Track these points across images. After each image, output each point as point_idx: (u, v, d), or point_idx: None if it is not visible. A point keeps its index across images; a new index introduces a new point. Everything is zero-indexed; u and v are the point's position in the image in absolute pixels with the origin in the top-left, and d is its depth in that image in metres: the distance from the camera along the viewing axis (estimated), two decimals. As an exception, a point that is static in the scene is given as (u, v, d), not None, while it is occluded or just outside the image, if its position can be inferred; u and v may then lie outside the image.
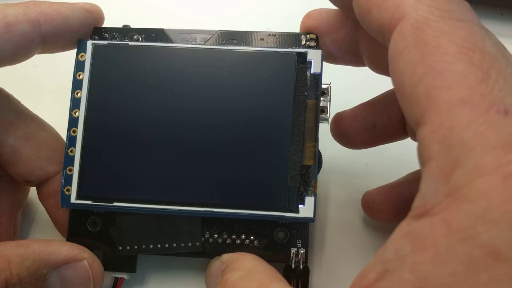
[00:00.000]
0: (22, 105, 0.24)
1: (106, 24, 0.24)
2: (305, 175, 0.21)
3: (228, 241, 0.22)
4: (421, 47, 0.15)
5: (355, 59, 0.23)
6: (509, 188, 0.12)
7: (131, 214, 0.22)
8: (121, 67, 0.22)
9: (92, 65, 0.23)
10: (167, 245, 0.22)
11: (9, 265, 0.19)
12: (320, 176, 0.22)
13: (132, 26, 0.24)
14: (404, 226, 0.14)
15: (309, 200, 0.21)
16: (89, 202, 0.22)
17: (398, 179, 0.24)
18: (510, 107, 0.13)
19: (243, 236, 0.22)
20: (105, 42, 0.23)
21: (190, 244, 0.22)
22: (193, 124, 0.22)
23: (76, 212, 0.23)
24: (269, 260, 0.21)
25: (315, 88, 0.22)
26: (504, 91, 0.13)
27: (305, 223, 0.22)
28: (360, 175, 0.27)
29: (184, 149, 0.22)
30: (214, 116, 0.22)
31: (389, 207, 0.24)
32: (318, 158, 0.22)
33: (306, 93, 0.22)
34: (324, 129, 0.24)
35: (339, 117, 0.24)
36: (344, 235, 0.25)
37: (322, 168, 0.23)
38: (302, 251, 0.22)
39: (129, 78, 0.22)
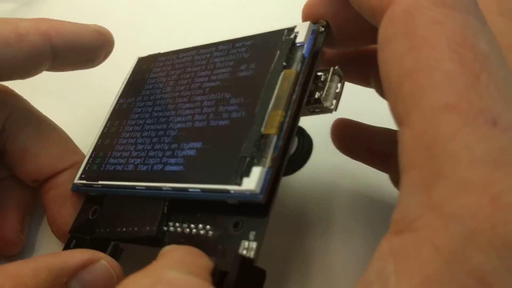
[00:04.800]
0: (33, 106, 0.25)
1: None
2: (262, 145, 0.17)
3: (186, 230, 0.19)
4: (410, 36, 0.14)
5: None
6: (498, 211, 0.11)
7: (115, 198, 0.22)
8: (146, 74, 0.25)
9: (131, 73, 0.26)
10: (130, 229, 0.20)
11: (23, 279, 0.17)
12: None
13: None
14: (385, 244, 0.13)
15: (256, 171, 0.17)
16: (83, 181, 0.22)
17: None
18: (499, 117, 0.12)
19: (200, 226, 0.18)
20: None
21: (147, 228, 0.20)
22: (175, 110, 0.22)
23: (87, 200, 0.23)
24: (221, 255, 0.17)
25: (298, 59, 0.19)
26: (494, 99, 0.12)
27: (262, 208, 0.17)
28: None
29: (160, 128, 0.21)
30: (196, 95, 0.21)
31: (358, 145, 0.23)
32: (288, 132, 0.18)
33: (284, 63, 0.19)
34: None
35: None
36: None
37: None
38: (253, 244, 0.17)
39: (144, 84, 0.24)
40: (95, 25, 0.24)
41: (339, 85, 0.20)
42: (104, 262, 0.19)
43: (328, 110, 0.19)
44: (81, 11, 0.37)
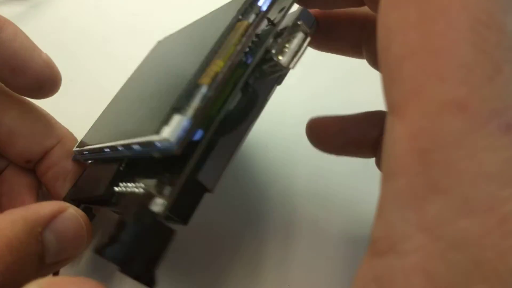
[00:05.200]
0: (10, 90, 0.24)
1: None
2: (194, 95, 0.16)
3: (127, 190, 0.18)
4: (424, 3, 0.11)
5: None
6: (507, 237, 0.09)
7: (94, 163, 0.22)
8: (150, 55, 0.25)
9: (147, 55, 0.26)
10: (90, 190, 0.20)
11: (3, 232, 0.17)
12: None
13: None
14: (366, 269, 0.11)
15: (176, 119, 0.15)
16: (77, 149, 0.23)
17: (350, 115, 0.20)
18: None
19: (136, 184, 0.17)
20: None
21: (98, 188, 0.19)
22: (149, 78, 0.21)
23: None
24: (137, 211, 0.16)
25: (254, 12, 0.17)
26: None
27: (181, 162, 0.15)
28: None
29: (130, 97, 0.21)
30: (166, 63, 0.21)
31: (342, 140, 0.20)
32: (222, 83, 0.16)
33: (240, 17, 0.17)
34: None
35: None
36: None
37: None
38: (164, 200, 0.15)
39: (144, 63, 0.25)
40: (49, 58, 0.22)
41: (304, 43, 0.17)
42: (72, 210, 0.19)
43: (284, 68, 0.17)
44: (88, 15, 0.35)
